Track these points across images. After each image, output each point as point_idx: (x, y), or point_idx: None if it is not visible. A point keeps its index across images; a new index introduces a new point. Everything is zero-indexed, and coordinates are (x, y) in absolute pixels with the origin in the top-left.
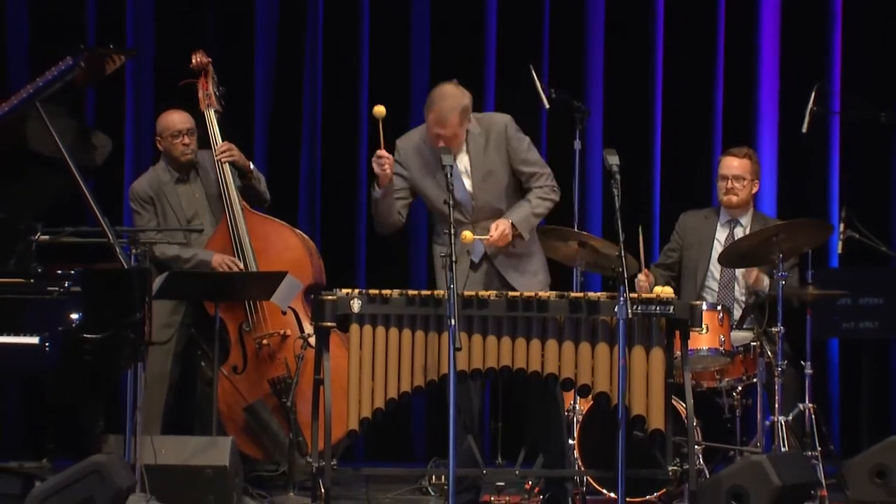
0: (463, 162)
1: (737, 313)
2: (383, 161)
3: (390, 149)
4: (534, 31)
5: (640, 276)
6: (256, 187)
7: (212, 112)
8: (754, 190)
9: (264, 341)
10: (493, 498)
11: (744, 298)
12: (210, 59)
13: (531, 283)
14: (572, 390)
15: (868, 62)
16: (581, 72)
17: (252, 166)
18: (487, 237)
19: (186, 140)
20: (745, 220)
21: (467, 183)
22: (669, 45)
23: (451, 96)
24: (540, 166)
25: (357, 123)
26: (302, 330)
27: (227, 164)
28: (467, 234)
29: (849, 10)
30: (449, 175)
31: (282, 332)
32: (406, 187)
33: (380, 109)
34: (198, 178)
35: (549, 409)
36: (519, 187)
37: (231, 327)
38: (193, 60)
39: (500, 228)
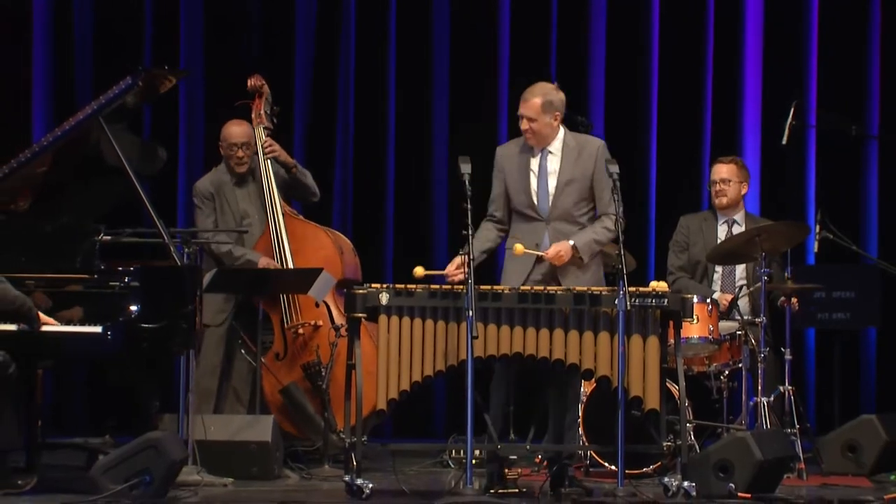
0: (553, 164)
1: (742, 302)
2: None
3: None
4: (543, 54)
5: (723, 302)
6: (303, 180)
7: (261, 129)
8: (743, 191)
9: (300, 330)
10: (506, 470)
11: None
12: (264, 82)
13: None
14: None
15: (841, 81)
16: (584, 90)
17: (296, 163)
18: (542, 252)
19: (240, 153)
20: (740, 217)
21: (552, 184)
22: (663, 65)
23: (541, 85)
24: (614, 203)
25: (385, 135)
26: (333, 321)
27: (269, 159)
28: (518, 247)
29: (824, 35)
30: (466, 182)
31: (314, 322)
32: (504, 190)
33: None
34: (253, 182)
35: (569, 397)
36: (592, 205)
37: (275, 319)
38: (248, 83)
39: (556, 249)
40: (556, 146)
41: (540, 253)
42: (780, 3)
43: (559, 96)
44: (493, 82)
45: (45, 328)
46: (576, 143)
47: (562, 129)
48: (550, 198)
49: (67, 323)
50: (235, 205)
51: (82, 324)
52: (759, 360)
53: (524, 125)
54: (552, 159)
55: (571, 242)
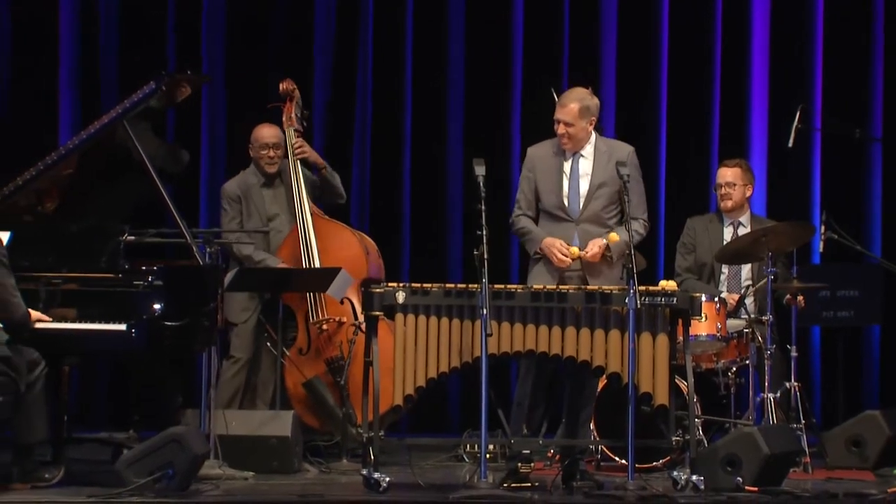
0: (584, 167)
1: (749, 300)
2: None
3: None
4: (555, 58)
5: (730, 301)
6: (331, 181)
7: (291, 131)
8: (748, 193)
9: (324, 326)
10: (519, 464)
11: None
12: (295, 86)
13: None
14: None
15: (845, 85)
16: (595, 94)
17: (326, 164)
18: (584, 252)
19: (271, 153)
20: (745, 219)
21: (584, 186)
22: (672, 71)
23: (577, 90)
24: (642, 208)
25: (401, 136)
26: (356, 318)
27: (298, 160)
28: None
29: (829, 39)
30: (481, 183)
31: (338, 318)
32: (534, 190)
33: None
34: (281, 184)
35: (586, 395)
36: (620, 208)
37: (300, 314)
38: (280, 87)
39: (594, 249)
40: (588, 150)
41: (581, 253)
42: (787, 8)
43: (594, 102)
44: (507, 84)
45: (73, 326)
46: (607, 148)
47: (593, 134)
48: (582, 200)
49: (92, 321)
50: (263, 206)
51: (106, 321)
52: (765, 357)
53: (560, 129)
54: (584, 162)
55: (605, 241)
